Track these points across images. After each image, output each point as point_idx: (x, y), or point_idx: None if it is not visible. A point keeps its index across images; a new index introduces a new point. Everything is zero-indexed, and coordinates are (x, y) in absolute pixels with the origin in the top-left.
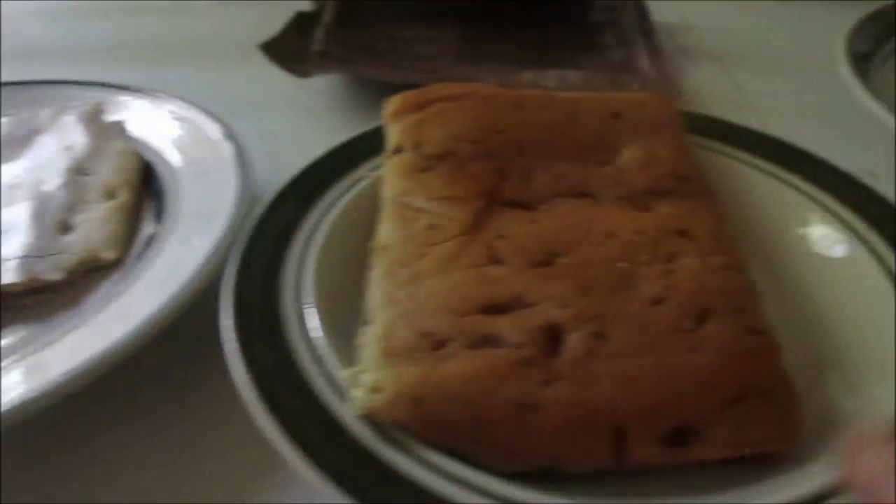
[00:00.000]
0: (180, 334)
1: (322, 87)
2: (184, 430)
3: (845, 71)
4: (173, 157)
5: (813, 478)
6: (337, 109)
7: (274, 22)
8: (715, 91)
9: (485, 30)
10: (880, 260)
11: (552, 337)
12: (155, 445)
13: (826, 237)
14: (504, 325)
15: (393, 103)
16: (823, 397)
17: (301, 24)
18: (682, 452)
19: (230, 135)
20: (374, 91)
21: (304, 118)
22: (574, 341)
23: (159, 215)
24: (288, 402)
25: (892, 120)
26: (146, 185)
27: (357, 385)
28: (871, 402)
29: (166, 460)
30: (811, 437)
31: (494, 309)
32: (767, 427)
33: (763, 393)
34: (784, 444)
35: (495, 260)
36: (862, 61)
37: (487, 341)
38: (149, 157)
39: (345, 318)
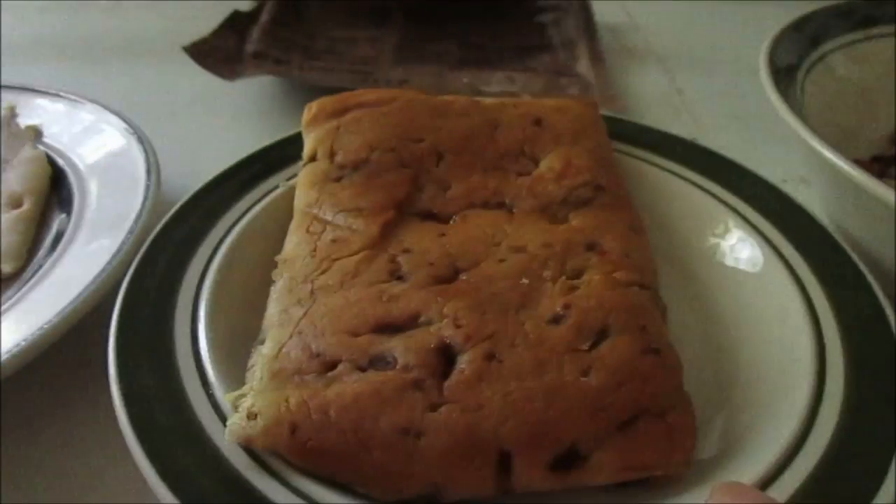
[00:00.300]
0: (82, 342)
1: (257, 89)
2: (71, 444)
3: (766, 82)
4: (85, 163)
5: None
6: (271, 113)
7: (212, 22)
8: (655, 93)
9: (427, 29)
10: (792, 272)
11: (445, 358)
12: (35, 457)
13: (742, 248)
14: (396, 346)
15: (311, 109)
16: (726, 416)
17: (237, 24)
18: (570, 477)
19: (142, 141)
20: (309, 94)
21: (237, 122)
22: (465, 363)
23: (66, 223)
24: (162, 427)
25: (807, 133)
26: (56, 192)
27: (237, 410)
28: (775, 421)
29: (44, 474)
30: (709, 459)
31: (389, 328)
32: (658, 450)
33: (655, 415)
34: (674, 467)
35: (397, 276)
36: (789, 72)
37: (377, 363)
38: (61, 163)
39: (246, 337)
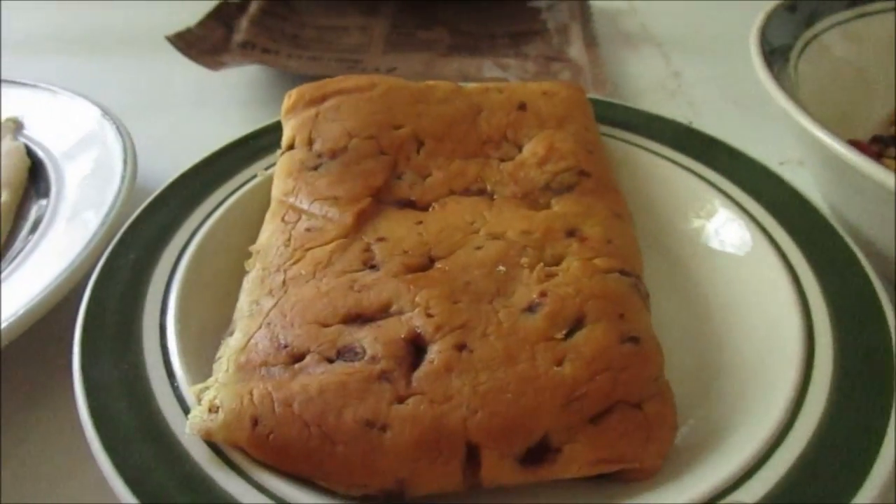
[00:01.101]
0: (51, 333)
1: (245, 80)
2: (36, 438)
3: (756, 62)
4: (63, 153)
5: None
6: (258, 103)
7: (201, 15)
8: (651, 77)
9: (418, 17)
10: (782, 255)
11: (415, 348)
12: None
13: (730, 232)
14: (365, 336)
15: (290, 97)
16: (709, 406)
17: (224, 15)
18: (541, 471)
19: (119, 130)
20: (297, 83)
21: (225, 113)
22: (434, 353)
23: (44, 211)
24: (122, 420)
25: (799, 113)
26: (34, 183)
27: (200, 403)
28: (759, 411)
29: (8, 469)
30: (689, 450)
31: (360, 318)
32: (633, 442)
33: (632, 405)
34: (651, 460)
35: (370, 265)
36: (783, 52)
37: (345, 354)
38: (39, 154)
39: (219, 329)
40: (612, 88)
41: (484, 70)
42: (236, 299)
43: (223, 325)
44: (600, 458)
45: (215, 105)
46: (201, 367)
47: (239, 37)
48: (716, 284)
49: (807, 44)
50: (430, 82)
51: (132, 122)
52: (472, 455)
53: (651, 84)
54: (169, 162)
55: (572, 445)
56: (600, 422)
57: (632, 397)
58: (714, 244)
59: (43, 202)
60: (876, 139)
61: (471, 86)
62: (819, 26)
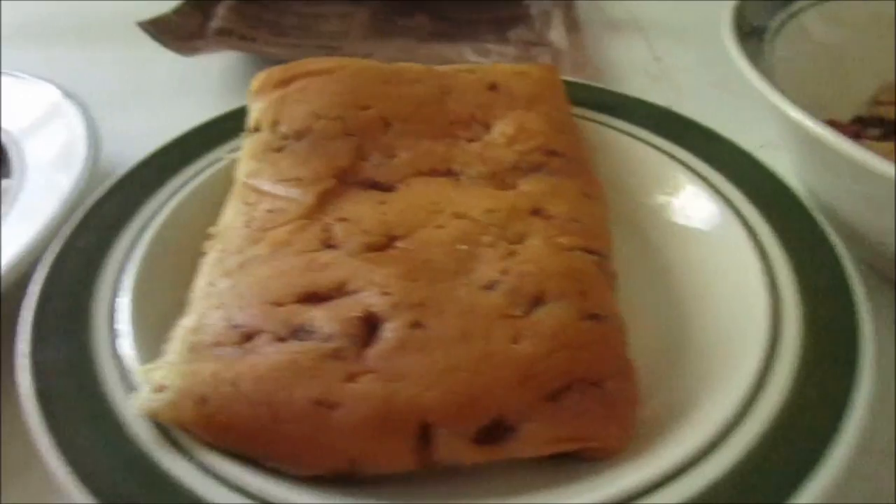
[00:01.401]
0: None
1: (223, 68)
2: None
3: (731, 45)
4: (26, 136)
5: (623, 477)
6: (237, 92)
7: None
8: (633, 63)
9: (400, 3)
10: (751, 233)
11: (370, 327)
12: None
13: (702, 213)
14: (319, 316)
15: (258, 79)
16: (675, 384)
17: (202, 1)
18: (497, 450)
19: (83, 113)
20: None
21: (202, 102)
22: (388, 331)
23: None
24: (66, 402)
25: (772, 92)
26: None
27: (145, 383)
28: (723, 389)
29: None
30: (652, 428)
31: (315, 298)
32: (593, 421)
33: (591, 383)
34: (612, 439)
35: (328, 244)
36: (759, 32)
37: (298, 333)
38: (3, 139)
39: (176, 312)
40: (594, 72)
41: (464, 55)
42: (190, 282)
43: (183, 309)
44: (559, 437)
45: (195, 94)
46: (159, 349)
47: (215, 23)
48: (688, 264)
49: (783, 24)
50: (402, 64)
51: (109, 110)
52: (425, 434)
53: (634, 69)
54: (145, 150)
55: (529, 424)
56: (558, 399)
57: (592, 375)
58: (683, 222)
59: (3, 183)
60: (857, 120)
61: (442, 67)
62: (796, 5)
